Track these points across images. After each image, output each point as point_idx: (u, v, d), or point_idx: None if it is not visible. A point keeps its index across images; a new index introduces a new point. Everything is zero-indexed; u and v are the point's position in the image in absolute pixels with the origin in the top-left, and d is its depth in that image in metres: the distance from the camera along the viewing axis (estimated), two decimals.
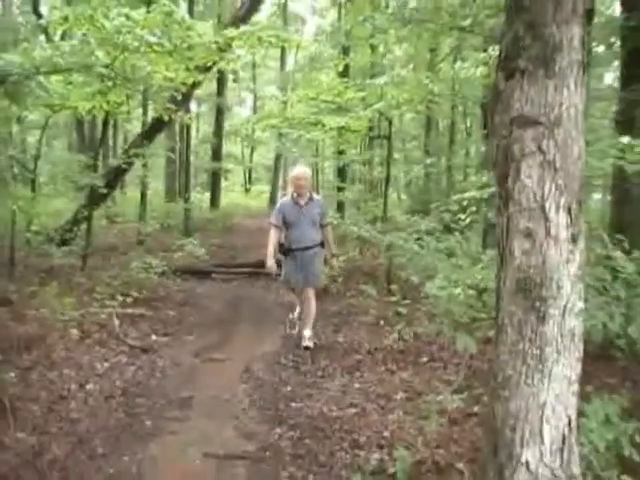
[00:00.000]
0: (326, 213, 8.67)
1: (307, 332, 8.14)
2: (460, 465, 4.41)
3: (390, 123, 13.23)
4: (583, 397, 4.11)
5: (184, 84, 10.76)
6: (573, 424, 3.44)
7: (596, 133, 9.70)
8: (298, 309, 8.76)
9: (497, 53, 3.60)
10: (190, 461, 4.85)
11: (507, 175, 3.36)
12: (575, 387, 3.43)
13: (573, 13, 3.25)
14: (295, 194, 8.37)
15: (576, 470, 3.47)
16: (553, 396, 3.35)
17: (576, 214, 3.30)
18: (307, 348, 7.92)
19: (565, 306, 3.30)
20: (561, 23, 3.23)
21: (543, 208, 3.26)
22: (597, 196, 14.18)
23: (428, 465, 4.50)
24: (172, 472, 4.67)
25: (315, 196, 8.65)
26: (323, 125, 12.71)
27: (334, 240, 8.93)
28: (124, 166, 14.14)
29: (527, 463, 3.37)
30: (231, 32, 9.87)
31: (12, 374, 6.21)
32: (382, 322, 8.76)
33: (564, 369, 3.35)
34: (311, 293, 8.38)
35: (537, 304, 3.30)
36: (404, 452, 4.49)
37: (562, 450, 3.39)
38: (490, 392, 3.67)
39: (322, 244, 8.44)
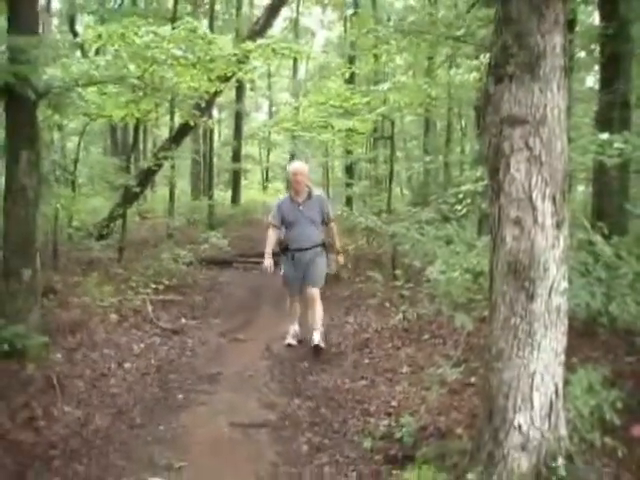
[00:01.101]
0: (329, 209, 7.44)
1: (316, 335, 7.02)
2: (459, 430, 4.42)
3: (393, 125, 13.27)
4: (569, 368, 4.13)
5: (207, 93, 10.77)
6: (560, 391, 3.49)
7: (579, 131, 9.67)
8: (296, 324, 7.51)
9: (488, 60, 3.63)
10: (218, 429, 4.91)
11: (498, 169, 3.40)
12: (561, 358, 3.47)
13: (555, 24, 3.28)
14: (293, 191, 7.37)
15: (563, 432, 3.51)
16: (542, 366, 3.39)
17: (560, 203, 3.33)
18: (317, 347, 6.87)
19: (551, 286, 3.34)
20: (545, 33, 3.27)
21: (530, 198, 3.30)
22: (581, 188, 14.11)
23: (431, 430, 4.52)
24: (203, 438, 4.72)
25: (315, 192, 7.45)
26: (332, 127, 12.74)
27: (339, 238, 7.79)
28: (154, 167, 14.17)
29: (519, 426, 3.41)
30: (248, 45, 9.89)
31: (59, 355, 6.26)
32: (388, 304, 8.76)
33: (551, 342, 3.39)
34: (315, 293, 7.26)
35: (526, 284, 3.33)
36: (409, 419, 4.53)
37: (550, 415, 3.44)
38: (485, 364, 3.71)
39: (324, 244, 7.38)
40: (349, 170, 19.72)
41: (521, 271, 3.34)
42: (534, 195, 3.29)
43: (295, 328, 7.42)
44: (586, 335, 5.77)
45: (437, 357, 6.32)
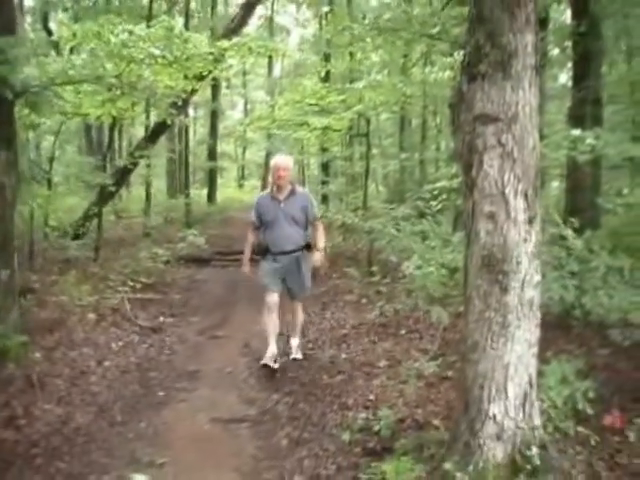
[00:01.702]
0: (314, 208, 6.62)
1: (295, 341, 6.71)
2: (436, 422, 4.51)
3: (368, 122, 13.34)
4: (543, 361, 4.24)
5: (183, 91, 10.81)
6: (534, 382, 3.58)
7: (552, 127, 9.84)
8: (274, 342, 6.37)
9: (461, 59, 3.71)
10: (199, 425, 4.95)
11: (471, 165, 3.47)
12: (534, 349, 3.56)
13: (527, 23, 3.36)
14: (274, 187, 6.53)
15: (537, 422, 3.60)
16: (515, 357, 3.48)
17: (532, 199, 3.42)
18: (296, 360, 6.53)
19: (524, 279, 3.43)
20: (516, 32, 3.35)
21: (503, 194, 3.38)
22: (555, 184, 14.28)
23: (408, 422, 4.60)
24: (184, 434, 4.77)
25: (299, 189, 6.68)
26: (308, 125, 12.77)
27: (324, 240, 6.76)
28: (130, 166, 14.15)
29: (494, 417, 3.50)
30: (224, 44, 9.92)
31: (38, 354, 6.26)
32: (365, 300, 8.85)
33: (525, 333, 3.48)
34: (297, 305, 6.79)
35: (500, 277, 3.42)
36: (387, 411, 4.61)
37: (524, 404, 3.53)
38: (461, 356, 3.80)
39: (308, 246, 6.57)
40: (325, 168, 19.79)
41: (494, 265, 3.42)
42: (507, 191, 3.38)
43: (273, 349, 6.28)
44: (560, 328, 5.87)
45: (414, 351, 6.43)
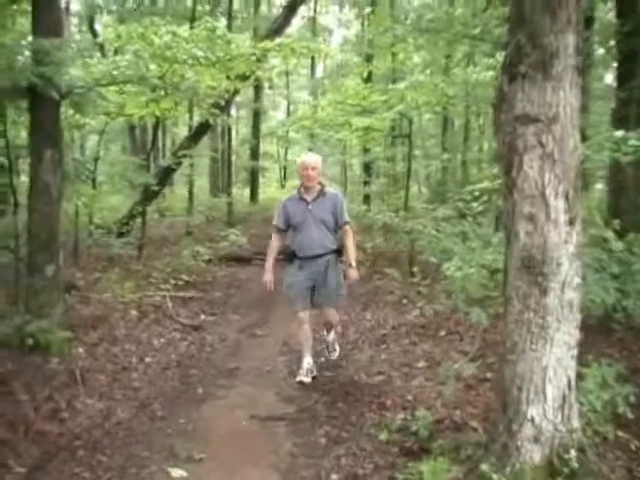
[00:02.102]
0: (344, 210, 6.15)
1: (331, 336, 6.58)
2: (474, 423, 4.50)
3: (410, 123, 13.31)
4: (583, 364, 4.21)
5: (226, 92, 10.91)
6: (572, 384, 3.55)
7: (597, 128, 9.71)
8: (309, 355, 6.18)
9: (502, 59, 3.70)
10: (237, 422, 5.01)
11: (511, 166, 3.46)
12: (574, 352, 3.53)
13: (568, 23, 3.33)
14: (302, 188, 6.15)
15: (576, 425, 3.57)
16: (555, 360, 3.46)
17: (573, 200, 3.39)
18: (330, 360, 6.50)
19: (564, 281, 3.40)
20: (557, 33, 3.32)
21: (543, 195, 3.36)
22: (599, 186, 14.10)
23: (446, 423, 4.60)
24: (222, 431, 4.83)
25: (329, 190, 6.24)
26: (350, 125, 12.79)
27: (355, 247, 6.25)
28: (173, 166, 14.32)
29: (532, 419, 3.48)
30: (267, 44, 9.99)
31: (81, 349, 6.40)
32: (405, 301, 8.83)
33: (564, 336, 3.45)
34: (333, 315, 6.35)
35: (539, 279, 3.40)
36: (425, 412, 4.60)
37: (563, 407, 3.50)
38: (499, 357, 3.79)
39: (339, 251, 6.15)
40: (367, 168, 19.78)
41: (534, 266, 3.40)
42: (547, 192, 3.36)
43: (308, 361, 6.11)
44: (602, 332, 5.83)
45: (454, 353, 6.41)
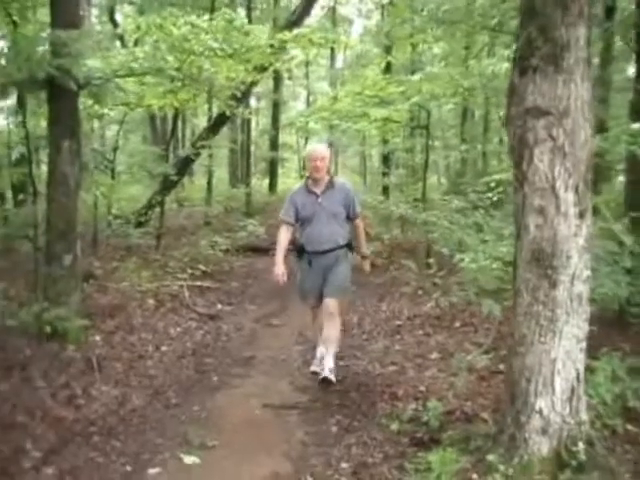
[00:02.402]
0: (355, 202, 5.95)
1: (327, 362, 5.65)
2: (485, 415, 4.52)
3: (428, 114, 13.26)
4: (596, 358, 4.23)
5: (243, 83, 10.95)
6: (581, 377, 3.57)
7: (618, 120, 9.64)
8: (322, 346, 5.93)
9: (513, 51, 3.70)
10: (251, 410, 5.07)
11: (522, 159, 3.48)
12: (583, 345, 3.55)
13: (579, 16, 3.34)
14: (310, 180, 5.90)
15: (584, 417, 3.59)
16: (563, 352, 3.48)
17: (583, 193, 3.40)
18: (325, 380, 5.53)
19: (573, 274, 3.42)
20: (569, 25, 3.33)
21: (554, 188, 3.38)
22: (621, 178, 13.98)
23: (457, 415, 4.63)
24: (236, 419, 4.90)
25: (338, 180, 6.08)
26: (368, 116, 12.77)
27: (365, 239, 6.28)
28: (192, 156, 14.38)
29: (540, 411, 3.50)
30: (285, 35, 10.01)
31: (98, 337, 6.50)
32: (421, 292, 8.85)
33: (573, 329, 3.47)
34: (333, 306, 5.74)
35: (549, 272, 3.42)
36: (436, 403, 4.62)
37: (571, 399, 3.52)
38: (508, 349, 3.81)
39: (349, 245, 5.95)
40: (386, 159, 19.73)
41: (544, 259, 3.42)
42: (557, 185, 3.37)
43: (322, 350, 5.86)
44: (618, 326, 5.81)
45: (467, 344, 6.42)
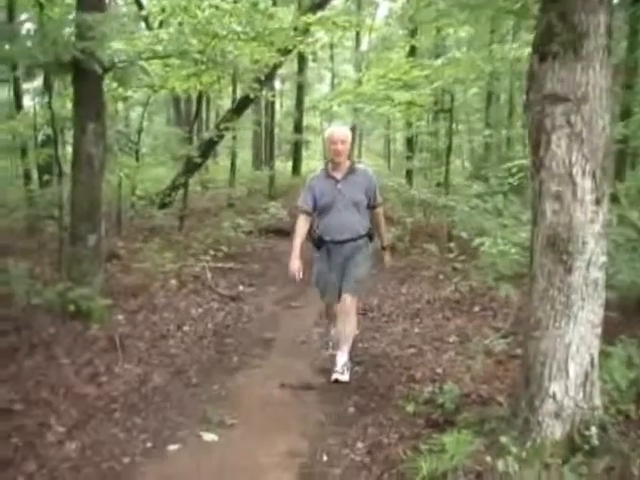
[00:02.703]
0: (377, 189, 5.67)
1: (340, 358, 5.46)
2: (500, 398, 4.56)
3: (452, 98, 13.25)
4: (612, 344, 4.25)
5: (267, 66, 10.98)
6: (595, 362, 3.60)
7: None
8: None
9: (533, 37, 3.71)
10: (270, 390, 5.16)
11: (539, 145, 3.50)
12: (598, 330, 3.57)
13: (600, 3, 3.34)
14: (330, 164, 5.60)
15: (597, 402, 3.62)
16: (578, 337, 3.50)
17: (600, 179, 3.42)
18: (337, 381, 5.29)
19: (589, 259, 3.44)
20: (589, 12, 3.33)
21: (570, 174, 3.39)
22: None
23: (473, 397, 4.67)
24: (255, 398, 4.99)
25: (359, 166, 5.74)
26: (392, 100, 12.77)
27: (386, 229, 6.07)
28: (216, 138, 14.45)
29: (554, 395, 3.54)
30: (309, 18, 10.03)
31: (121, 316, 6.62)
32: (442, 276, 8.88)
33: (588, 314, 3.50)
34: (350, 303, 5.49)
35: (564, 257, 3.44)
36: (453, 386, 4.68)
37: (585, 384, 3.55)
38: (524, 333, 3.85)
39: (370, 235, 5.64)
40: (410, 143, 19.71)
41: (560, 244, 3.44)
42: (574, 171, 3.38)
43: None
44: (639, 313, 5.81)
45: (486, 329, 6.46)
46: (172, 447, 4.15)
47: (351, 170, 5.51)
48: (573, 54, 3.36)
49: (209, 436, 4.30)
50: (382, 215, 5.81)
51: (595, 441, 3.46)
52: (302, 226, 5.57)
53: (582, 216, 3.40)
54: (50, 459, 3.83)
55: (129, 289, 7.49)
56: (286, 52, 11.22)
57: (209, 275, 8.78)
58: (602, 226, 3.46)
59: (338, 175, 5.49)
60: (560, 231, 3.44)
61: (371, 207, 5.62)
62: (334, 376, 5.32)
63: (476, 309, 7.32)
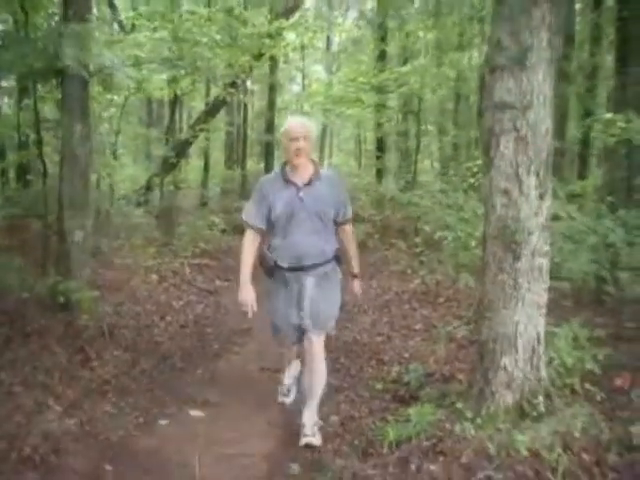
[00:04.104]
0: (347, 201, 4.49)
1: (308, 418, 4.32)
2: (461, 376, 5.03)
3: (419, 101, 13.73)
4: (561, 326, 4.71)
5: (244, 71, 11.35)
6: (541, 339, 4.06)
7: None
8: (295, 365, 5.13)
9: (485, 52, 4.17)
10: (249, 373, 5.62)
11: (490, 147, 3.95)
12: (543, 311, 4.03)
13: (542, 21, 3.80)
14: (288, 167, 4.34)
15: (543, 374, 4.09)
16: (525, 317, 3.96)
17: (543, 177, 3.88)
18: (308, 446, 4.14)
19: (534, 248, 3.90)
20: (533, 29, 3.79)
21: (517, 173, 3.85)
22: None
23: (436, 376, 5.12)
24: (236, 380, 5.45)
25: (325, 171, 4.48)
26: (362, 102, 13.21)
27: (357, 254, 4.69)
28: (190, 139, 14.77)
29: (505, 367, 3.99)
30: (282, 23, 10.44)
31: (107, 308, 6.95)
32: (410, 270, 9.33)
33: (534, 296, 3.96)
34: (317, 344, 4.42)
35: (513, 246, 3.90)
36: (418, 367, 5.15)
37: (532, 358, 4.02)
38: (478, 314, 4.31)
39: (338, 258, 4.45)
40: (380, 143, 20.14)
41: (508, 235, 3.90)
42: (520, 170, 3.84)
43: (289, 377, 5.09)
44: (595, 303, 6.30)
45: (450, 317, 6.92)
46: (162, 422, 4.58)
47: (316, 176, 4.30)
48: (519, 66, 3.82)
49: (196, 412, 4.75)
50: (352, 233, 4.63)
51: (542, 408, 3.92)
52: (250, 245, 4.44)
53: (528, 210, 3.86)
54: (52, 432, 4.20)
55: (113, 283, 7.86)
56: (259, 56, 11.61)
57: (187, 270, 9.18)
58: (545, 219, 3.93)
59: (299, 181, 4.28)
60: (509, 223, 3.89)
61: (338, 223, 4.47)
62: (304, 440, 4.19)
63: (441, 300, 7.78)
